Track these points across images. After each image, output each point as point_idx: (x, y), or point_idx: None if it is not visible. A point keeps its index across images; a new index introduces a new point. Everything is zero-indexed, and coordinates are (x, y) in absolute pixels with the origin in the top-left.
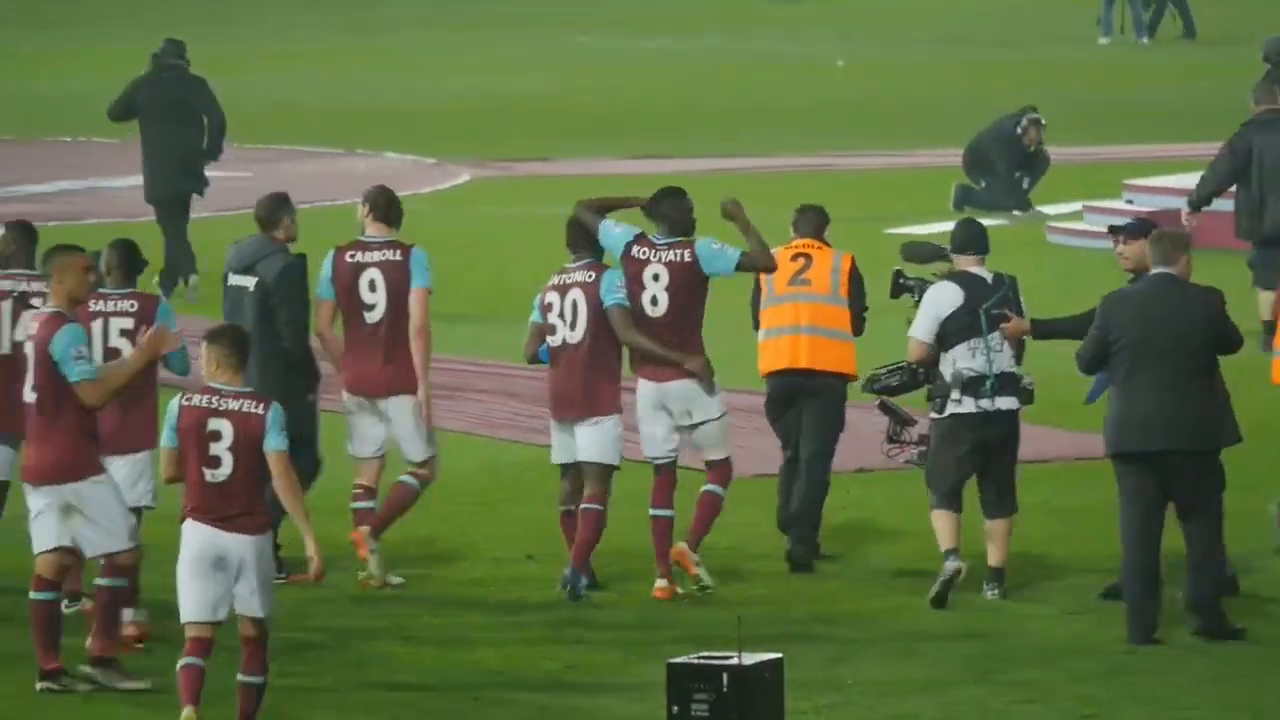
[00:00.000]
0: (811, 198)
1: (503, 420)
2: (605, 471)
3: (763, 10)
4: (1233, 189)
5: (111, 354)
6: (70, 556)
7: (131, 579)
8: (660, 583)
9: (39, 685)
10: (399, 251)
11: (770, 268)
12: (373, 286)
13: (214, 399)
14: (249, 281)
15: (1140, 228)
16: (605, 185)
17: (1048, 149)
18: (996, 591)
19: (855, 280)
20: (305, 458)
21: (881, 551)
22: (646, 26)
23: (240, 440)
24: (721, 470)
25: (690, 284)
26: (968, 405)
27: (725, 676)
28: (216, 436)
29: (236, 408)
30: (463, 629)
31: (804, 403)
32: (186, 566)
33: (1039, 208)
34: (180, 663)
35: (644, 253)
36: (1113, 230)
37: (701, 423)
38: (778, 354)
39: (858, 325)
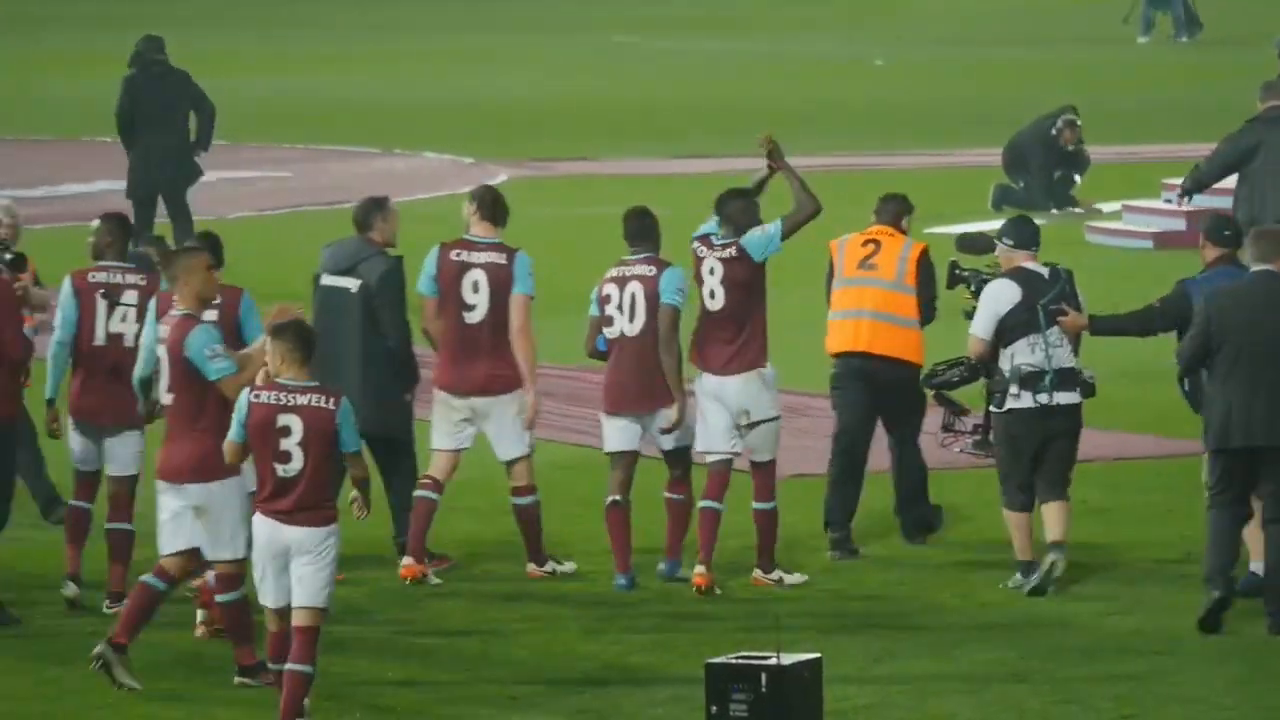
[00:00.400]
0: (850, 197)
1: (541, 419)
2: (687, 453)
3: (798, 12)
4: (1230, 184)
5: None
6: (196, 560)
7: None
8: (699, 569)
9: (98, 648)
10: (505, 255)
11: (813, 210)
12: (476, 287)
13: (282, 395)
14: (350, 283)
15: (1205, 222)
16: (643, 185)
17: (1088, 149)
18: (1057, 556)
19: (924, 269)
20: (405, 461)
21: (922, 549)
22: (683, 28)
23: (310, 434)
24: (766, 473)
25: (744, 280)
26: (1025, 400)
27: (764, 676)
28: (286, 432)
29: (305, 402)
30: (501, 626)
31: (877, 398)
32: (256, 558)
33: (1074, 208)
34: (289, 668)
35: (702, 250)
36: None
37: (759, 422)
38: (842, 336)
39: (926, 313)
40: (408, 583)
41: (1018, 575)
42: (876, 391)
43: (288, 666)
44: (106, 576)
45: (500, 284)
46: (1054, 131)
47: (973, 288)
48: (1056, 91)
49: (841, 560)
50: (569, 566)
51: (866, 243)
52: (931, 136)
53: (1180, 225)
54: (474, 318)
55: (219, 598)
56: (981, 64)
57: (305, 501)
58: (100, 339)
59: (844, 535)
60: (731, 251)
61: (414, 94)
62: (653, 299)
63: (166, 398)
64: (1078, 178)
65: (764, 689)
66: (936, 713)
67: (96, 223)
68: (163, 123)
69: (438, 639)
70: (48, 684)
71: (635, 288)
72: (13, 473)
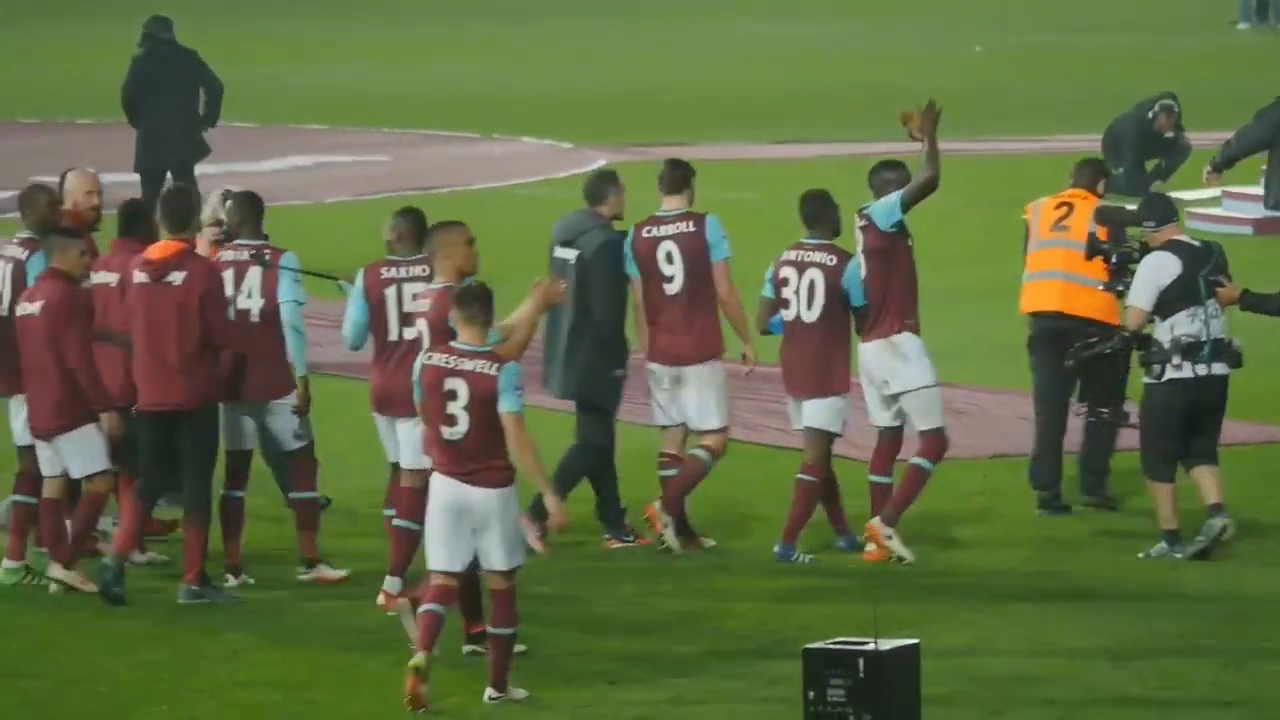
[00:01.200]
0: (947, 182)
1: (627, 405)
2: (824, 438)
3: None
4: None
5: (406, 319)
6: None
7: None
8: (870, 547)
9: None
10: (692, 222)
11: (927, 179)
12: (670, 259)
13: (451, 358)
14: (570, 254)
15: None
16: (743, 170)
17: (1188, 136)
18: (1225, 520)
19: (1115, 231)
20: (602, 429)
21: (1021, 536)
22: (779, 13)
23: (475, 399)
24: (929, 442)
25: (877, 248)
26: (1186, 371)
27: (861, 662)
28: (453, 395)
29: (471, 368)
30: (596, 608)
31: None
32: (433, 518)
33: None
34: (421, 608)
35: (855, 222)
36: None
37: (901, 393)
38: (1034, 296)
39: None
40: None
41: (1162, 544)
42: (1067, 351)
43: (489, 630)
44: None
45: (693, 251)
46: (1150, 116)
47: (1113, 260)
48: (1157, 78)
49: (1051, 517)
50: (710, 544)
51: (1060, 205)
52: (1026, 122)
53: None
54: (672, 289)
55: None
56: (1083, 50)
57: (477, 464)
58: (229, 316)
59: (1053, 494)
60: (864, 221)
61: (513, 81)
62: (834, 288)
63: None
64: (1163, 167)
65: (862, 675)
66: (1033, 699)
67: (229, 203)
68: (170, 101)
69: (534, 620)
70: (142, 668)
71: (815, 275)
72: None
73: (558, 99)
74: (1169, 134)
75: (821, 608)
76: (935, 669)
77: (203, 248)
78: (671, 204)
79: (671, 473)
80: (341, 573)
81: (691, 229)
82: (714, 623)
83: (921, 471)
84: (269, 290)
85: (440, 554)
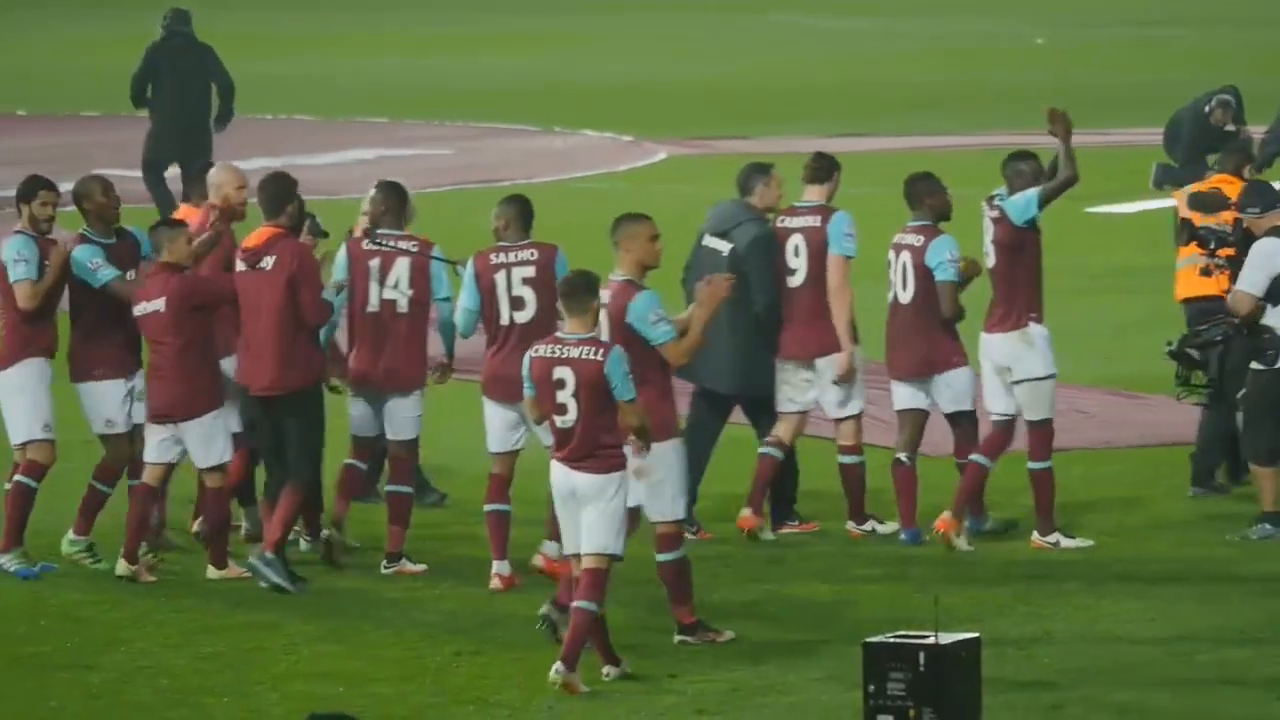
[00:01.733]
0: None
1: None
2: (967, 418)
3: None
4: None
5: (516, 303)
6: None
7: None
8: (945, 514)
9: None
10: (820, 216)
11: (1066, 178)
12: (796, 251)
13: (557, 348)
14: (724, 246)
15: None
16: (803, 164)
17: (1250, 130)
18: None
19: None
20: (765, 417)
21: (1081, 528)
22: (839, 7)
23: (582, 385)
24: (1036, 434)
25: (1009, 241)
26: None
27: (922, 656)
28: (561, 384)
29: (577, 355)
30: (656, 601)
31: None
32: (555, 504)
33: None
34: (573, 604)
35: (985, 210)
36: None
37: (1020, 380)
38: (1186, 283)
39: None
40: (744, 533)
41: (1265, 525)
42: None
43: (573, 603)
44: (386, 538)
45: (816, 246)
46: (1206, 110)
47: (1213, 246)
48: (1216, 73)
49: (1202, 496)
50: (889, 527)
51: (1210, 191)
52: (1086, 116)
53: None
54: (795, 281)
55: (661, 557)
56: (1145, 45)
57: (586, 449)
58: (373, 305)
59: (1207, 473)
60: (998, 213)
61: (573, 74)
62: (920, 269)
63: None
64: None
65: (922, 668)
66: (1094, 691)
67: (372, 191)
68: (181, 95)
69: None
70: (204, 660)
71: (906, 256)
72: (319, 435)
73: (618, 92)
74: (1228, 128)
75: (882, 600)
76: (996, 661)
77: (357, 233)
78: (810, 195)
79: (769, 451)
80: (421, 566)
81: (818, 223)
82: (774, 614)
83: (1045, 472)
84: (418, 284)
85: (565, 539)
